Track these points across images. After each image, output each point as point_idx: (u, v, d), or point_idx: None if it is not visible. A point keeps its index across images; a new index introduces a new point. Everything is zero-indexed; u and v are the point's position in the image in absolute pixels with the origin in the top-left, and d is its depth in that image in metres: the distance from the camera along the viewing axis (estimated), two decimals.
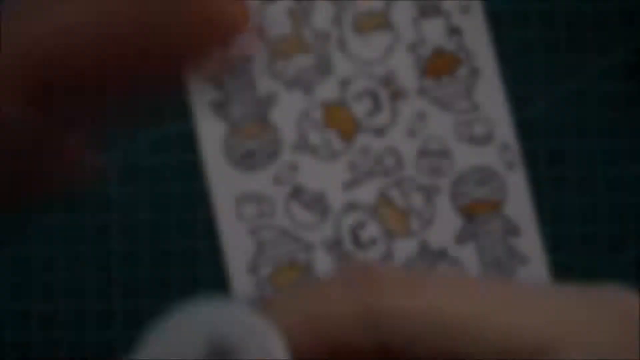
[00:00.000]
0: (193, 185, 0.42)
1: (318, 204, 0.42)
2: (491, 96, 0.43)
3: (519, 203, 0.43)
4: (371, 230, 0.42)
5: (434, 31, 0.43)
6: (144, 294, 0.42)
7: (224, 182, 0.42)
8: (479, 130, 0.43)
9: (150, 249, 0.42)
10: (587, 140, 0.44)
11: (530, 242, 0.42)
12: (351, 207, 0.42)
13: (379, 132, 0.43)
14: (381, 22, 0.43)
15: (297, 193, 0.42)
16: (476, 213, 0.42)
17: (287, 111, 0.43)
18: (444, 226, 0.42)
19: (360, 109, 0.43)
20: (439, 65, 0.43)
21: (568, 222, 0.43)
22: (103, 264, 0.42)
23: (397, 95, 0.43)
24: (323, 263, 0.42)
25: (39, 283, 0.42)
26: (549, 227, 0.42)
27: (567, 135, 0.43)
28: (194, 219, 0.42)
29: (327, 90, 0.43)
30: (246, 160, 0.42)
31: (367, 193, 0.42)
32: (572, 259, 0.43)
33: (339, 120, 0.43)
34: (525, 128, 0.43)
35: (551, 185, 0.43)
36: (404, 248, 0.42)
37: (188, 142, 0.42)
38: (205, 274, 0.42)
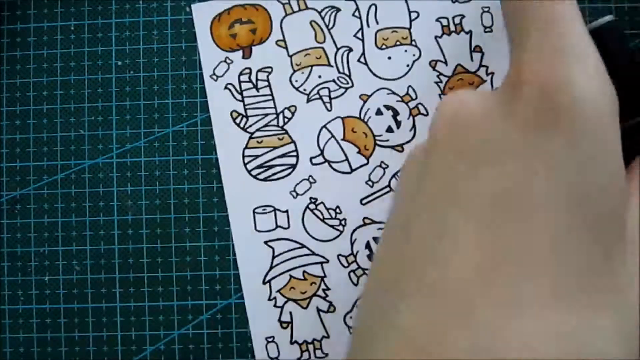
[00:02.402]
0: (210, 194, 0.42)
1: (334, 217, 0.42)
2: None
3: None
4: None
5: (456, 49, 0.43)
6: (155, 298, 0.42)
7: (241, 192, 0.42)
8: None
9: (167, 253, 0.42)
10: None
11: None
12: (367, 222, 0.42)
13: (398, 148, 0.43)
14: (403, 38, 0.43)
15: (313, 206, 0.42)
16: None
17: (307, 124, 0.43)
18: None
19: (379, 124, 0.43)
20: (460, 84, 0.43)
21: None
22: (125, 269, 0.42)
23: (417, 112, 0.43)
24: (337, 277, 0.42)
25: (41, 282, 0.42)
26: None
27: None
28: (211, 227, 0.42)
29: (347, 104, 0.43)
30: (264, 172, 0.42)
31: (384, 209, 0.42)
32: None
33: (358, 135, 0.43)
34: None
35: None
36: None
37: (209, 150, 0.43)
38: (220, 282, 0.42)
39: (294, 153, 0.43)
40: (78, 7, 0.44)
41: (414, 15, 0.43)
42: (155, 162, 0.43)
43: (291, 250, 0.42)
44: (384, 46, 0.43)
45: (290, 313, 0.42)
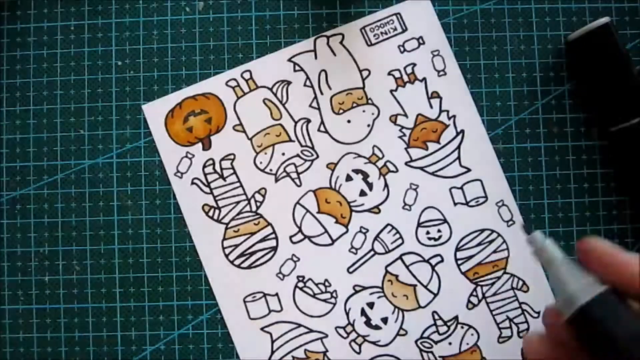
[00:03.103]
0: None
1: (324, 292, 0.42)
2: (481, 155, 0.43)
3: (524, 258, 0.42)
4: (381, 309, 0.42)
5: (414, 99, 0.43)
6: (155, 298, 0.42)
7: (228, 284, 0.42)
8: (473, 192, 0.43)
9: (167, 253, 0.42)
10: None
11: (540, 295, 0.42)
12: (358, 289, 0.42)
13: (374, 210, 0.42)
14: (359, 98, 0.43)
15: (302, 284, 0.42)
16: (482, 275, 0.42)
17: (279, 204, 0.42)
18: (452, 294, 0.42)
19: (351, 190, 0.42)
20: (424, 133, 0.43)
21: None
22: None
23: (386, 170, 0.43)
24: (338, 349, 0.42)
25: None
26: None
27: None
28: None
29: (315, 176, 0.42)
30: (246, 259, 0.42)
31: (371, 273, 0.42)
32: None
33: (332, 205, 0.42)
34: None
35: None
36: (417, 321, 0.42)
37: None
38: None
39: (273, 235, 0.42)
40: (78, 7, 0.43)
41: (365, 73, 0.43)
42: (156, 162, 0.43)
43: (289, 331, 0.42)
44: (341, 110, 0.43)
45: None
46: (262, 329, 0.42)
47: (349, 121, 0.43)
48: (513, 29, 0.44)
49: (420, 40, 0.43)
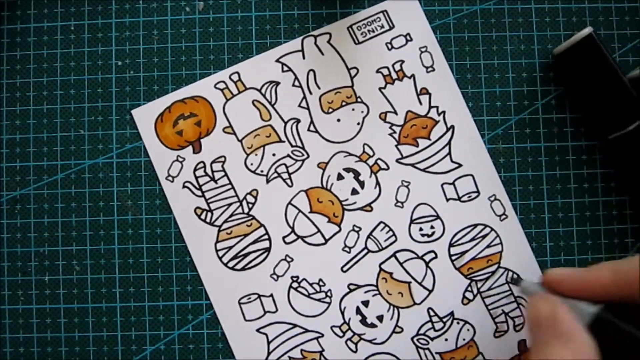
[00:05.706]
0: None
1: (319, 291, 0.42)
2: (472, 151, 0.43)
3: (517, 252, 0.42)
4: (376, 307, 0.42)
5: (403, 96, 0.43)
6: (155, 298, 0.42)
7: (222, 286, 0.42)
8: (465, 187, 0.43)
9: (167, 253, 0.42)
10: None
11: None
12: (352, 287, 0.42)
13: (366, 208, 0.42)
14: (348, 97, 0.43)
15: (296, 285, 0.42)
16: (477, 270, 0.42)
17: (271, 205, 0.42)
18: (447, 290, 0.42)
19: (343, 188, 0.42)
20: (414, 130, 0.43)
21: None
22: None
23: (377, 168, 0.43)
24: (335, 348, 0.42)
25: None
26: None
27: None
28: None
29: (306, 176, 0.42)
30: (240, 261, 0.42)
31: (365, 271, 0.42)
32: None
33: (325, 204, 0.42)
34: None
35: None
36: (412, 318, 0.42)
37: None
38: None
39: (266, 236, 0.42)
40: (78, 7, 0.44)
41: (353, 72, 0.43)
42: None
43: (284, 332, 0.42)
44: (330, 109, 0.43)
45: None
46: (257, 330, 0.42)
47: (338, 120, 0.43)
48: (513, 29, 0.43)
49: (408, 37, 0.43)
